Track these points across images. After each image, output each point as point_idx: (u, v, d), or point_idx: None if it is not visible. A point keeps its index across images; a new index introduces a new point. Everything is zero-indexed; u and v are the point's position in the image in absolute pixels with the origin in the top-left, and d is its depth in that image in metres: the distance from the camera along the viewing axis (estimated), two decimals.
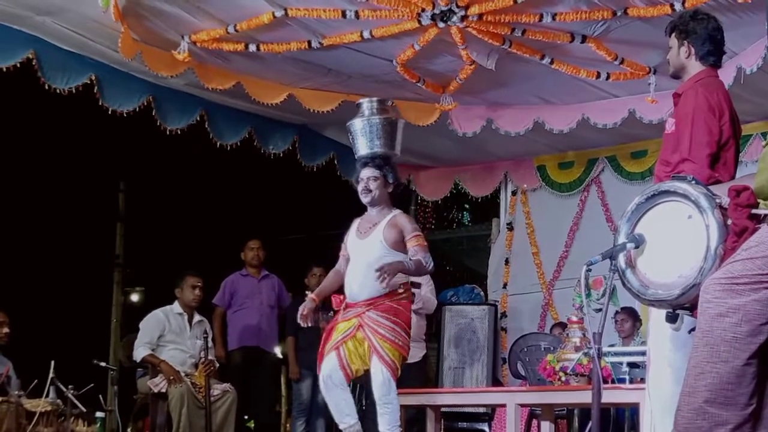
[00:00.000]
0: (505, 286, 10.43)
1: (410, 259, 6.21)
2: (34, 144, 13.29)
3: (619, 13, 6.69)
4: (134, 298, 17.84)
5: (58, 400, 7.10)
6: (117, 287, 16.62)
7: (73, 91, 7.43)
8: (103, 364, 8.58)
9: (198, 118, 8.27)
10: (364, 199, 6.42)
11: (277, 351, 9.82)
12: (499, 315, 10.19)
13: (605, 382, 5.40)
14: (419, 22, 6.87)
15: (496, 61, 7.52)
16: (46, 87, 7.30)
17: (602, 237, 8.68)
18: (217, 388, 7.83)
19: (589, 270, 4.08)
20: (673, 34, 4.73)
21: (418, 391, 7.49)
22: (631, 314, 8.50)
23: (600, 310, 4.85)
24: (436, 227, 15.59)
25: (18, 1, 6.79)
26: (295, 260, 10.05)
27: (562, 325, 8.53)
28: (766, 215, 3.47)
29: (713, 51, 4.70)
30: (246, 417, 9.84)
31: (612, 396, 5.88)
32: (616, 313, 8.65)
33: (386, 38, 7.17)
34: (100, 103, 7.62)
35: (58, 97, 7.45)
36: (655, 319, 4.54)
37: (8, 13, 6.91)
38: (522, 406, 6.91)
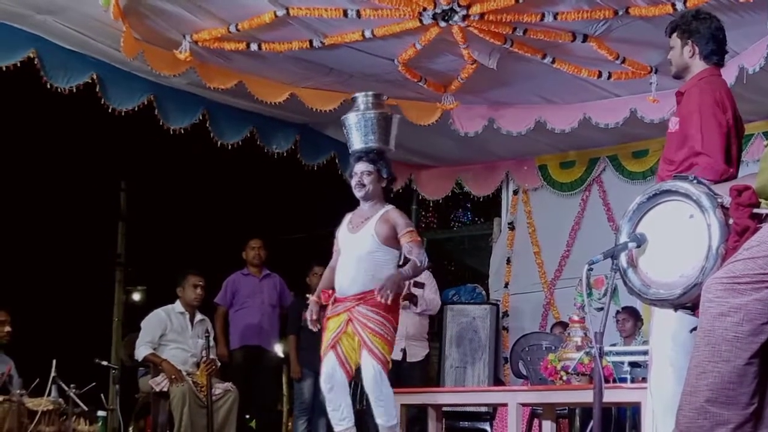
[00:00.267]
0: (506, 285, 10.43)
1: (406, 256, 6.23)
2: (35, 143, 13.30)
3: (620, 13, 6.69)
4: (136, 297, 17.84)
5: (60, 399, 7.10)
6: (119, 286, 16.62)
7: (74, 90, 7.43)
8: (104, 363, 8.58)
9: (200, 118, 8.28)
10: (358, 193, 6.41)
11: (279, 350, 9.83)
12: (500, 314, 10.19)
13: (607, 381, 5.40)
14: (421, 21, 6.87)
15: (497, 61, 7.52)
16: (48, 86, 7.30)
17: (604, 236, 8.67)
18: (219, 388, 7.83)
19: (590, 269, 4.08)
20: (675, 34, 4.73)
21: (419, 391, 7.49)
22: (633, 314, 8.50)
23: (601, 309, 4.86)
24: (438, 227, 15.59)
25: (19, 0, 6.79)
26: (297, 259, 10.05)
27: (563, 324, 8.53)
28: (767, 215, 3.47)
29: (716, 50, 4.72)
30: (247, 416, 9.83)
31: (613, 395, 5.88)
32: (618, 312, 8.65)
33: (388, 37, 7.16)
34: (102, 102, 7.63)
35: (59, 96, 7.45)
36: (657, 318, 4.54)
37: (9, 11, 6.92)
38: (523, 405, 6.92)
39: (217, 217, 15.53)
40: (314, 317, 6.38)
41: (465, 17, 6.81)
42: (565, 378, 6.50)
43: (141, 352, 7.93)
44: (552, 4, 6.75)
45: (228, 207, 15.37)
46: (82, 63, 7.46)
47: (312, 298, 6.50)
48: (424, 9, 6.76)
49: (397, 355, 8.50)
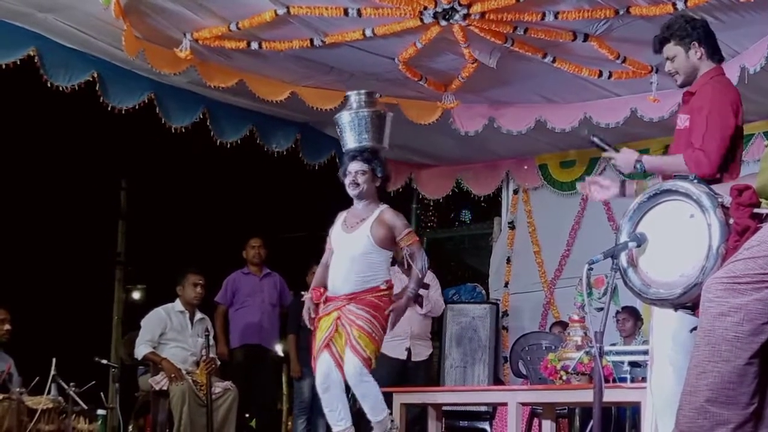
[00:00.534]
0: (506, 284, 10.43)
1: (406, 259, 6.27)
2: (35, 141, 13.28)
3: (621, 12, 6.68)
4: (136, 295, 17.83)
5: (60, 398, 7.10)
6: (118, 285, 16.61)
7: (76, 88, 7.43)
8: (104, 361, 8.60)
9: (200, 116, 8.28)
10: (352, 192, 6.40)
11: (279, 349, 9.83)
12: (500, 314, 10.19)
13: (607, 381, 5.40)
14: (421, 20, 6.87)
15: (498, 60, 7.51)
16: (48, 84, 7.30)
17: (604, 236, 8.66)
18: (219, 386, 7.84)
19: (590, 269, 4.08)
20: (672, 43, 4.70)
21: (419, 390, 7.49)
22: (633, 313, 8.50)
23: (601, 309, 4.86)
24: (438, 226, 15.54)
25: None
26: (297, 258, 10.04)
27: (562, 324, 8.53)
28: (767, 214, 3.47)
29: (716, 48, 4.74)
30: (247, 415, 9.84)
31: (613, 395, 5.88)
32: (618, 312, 8.65)
33: (388, 36, 7.16)
34: (102, 101, 7.62)
35: (59, 94, 7.45)
36: (657, 318, 4.54)
37: (11, 9, 6.92)
38: (523, 404, 6.92)
39: (217, 215, 15.52)
40: (312, 315, 6.38)
41: (466, 16, 6.80)
42: (564, 377, 6.50)
43: (141, 350, 7.94)
44: (553, 4, 6.74)
45: (228, 206, 15.36)
46: (82, 61, 7.46)
47: (307, 296, 6.48)
48: (425, 8, 6.75)
49: (402, 354, 8.51)
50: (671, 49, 4.71)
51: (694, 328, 3.35)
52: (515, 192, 10.59)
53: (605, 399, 4.14)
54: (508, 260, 10.49)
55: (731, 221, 3.66)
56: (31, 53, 7.12)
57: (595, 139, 4.84)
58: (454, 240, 14.62)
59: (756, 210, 3.50)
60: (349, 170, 6.43)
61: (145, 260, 16.31)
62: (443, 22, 6.89)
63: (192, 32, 7.25)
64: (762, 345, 3.13)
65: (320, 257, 6.60)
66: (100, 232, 16.08)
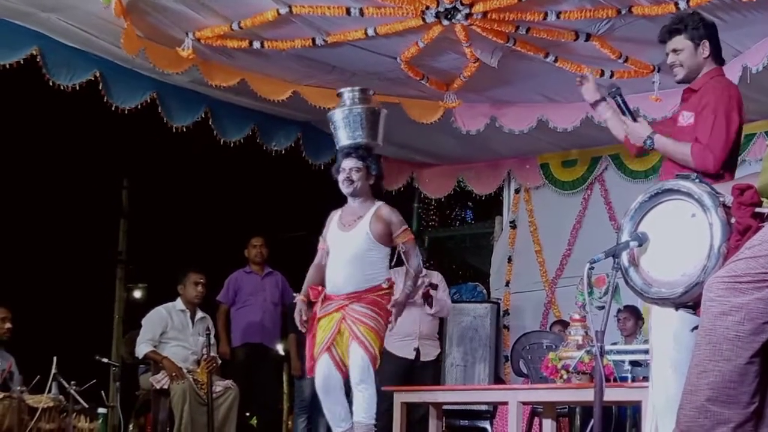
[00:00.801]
0: (507, 284, 10.44)
1: (401, 256, 6.22)
2: (37, 140, 13.30)
3: (623, 12, 6.69)
4: (137, 294, 17.85)
5: (61, 396, 7.10)
6: (120, 283, 16.63)
7: (77, 87, 7.44)
8: (105, 360, 8.58)
9: (202, 115, 8.28)
10: (346, 190, 6.35)
11: (280, 348, 9.84)
12: (501, 313, 10.19)
13: (607, 380, 5.40)
14: (423, 19, 6.87)
15: (499, 59, 7.51)
16: (51, 83, 7.30)
17: (605, 235, 8.66)
18: (219, 385, 7.84)
19: (592, 268, 4.08)
20: (683, 36, 4.71)
21: (420, 389, 7.49)
22: (634, 313, 8.50)
23: (602, 308, 4.85)
24: (439, 225, 15.60)
25: None
26: (298, 257, 10.05)
27: (563, 323, 8.54)
28: None
29: (720, 51, 4.78)
30: (248, 414, 9.84)
31: (614, 394, 5.88)
32: (619, 311, 8.65)
33: (390, 36, 7.16)
34: (105, 100, 7.63)
35: (61, 93, 7.46)
36: (657, 317, 4.54)
37: (13, 9, 6.92)
38: (524, 404, 6.91)
39: (218, 214, 15.53)
40: (304, 318, 6.32)
41: (468, 16, 6.81)
42: (565, 377, 6.49)
43: (142, 349, 7.94)
44: (555, 3, 6.74)
45: (230, 205, 15.37)
46: (85, 60, 7.46)
47: (299, 298, 6.42)
48: (427, 7, 6.76)
49: (410, 354, 8.51)
50: (680, 41, 4.72)
51: (695, 327, 3.35)
52: (517, 191, 10.59)
53: (606, 398, 4.14)
54: (510, 259, 10.49)
55: (733, 220, 3.65)
56: (34, 52, 7.12)
57: (618, 99, 4.84)
58: (455, 239, 14.64)
59: (757, 209, 3.50)
60: (342, 167, 6.38)
61: (146, 259, 16.33)
62: (445, 22, 6.89)
63: (194, 31, 7.26)
64: (763, 344, 3.13)
65: None
66: (102, 231, 16.10)
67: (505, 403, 6.80)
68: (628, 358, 6.56)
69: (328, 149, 9.28)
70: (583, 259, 4.79)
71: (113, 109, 7.74)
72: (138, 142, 12.49)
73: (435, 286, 8.59)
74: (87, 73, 7.45)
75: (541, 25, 7.02)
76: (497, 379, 9.66)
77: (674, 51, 4.75)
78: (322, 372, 6.19)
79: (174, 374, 7.70)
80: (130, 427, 8.63)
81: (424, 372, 8.59)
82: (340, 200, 6.56)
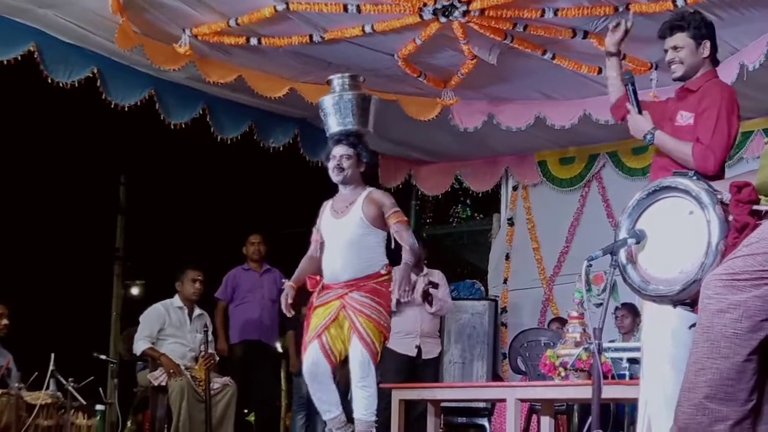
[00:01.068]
0: (505, 281, 10.44)
1: (394, 237, 6.15)
2: (34, 137, 13.27)
3: (620, 9, 6.69)
4: (134, 291, 17.82)
5: (58, 393, 7.10)
6: (117, 280, 16.59)
7: (76, 84, 7.43)
8: (103, 357, 8.59)
9: (200, 112, 8.28)
10: (336, 177, 6.29)
11: (278, 345, 9.83)
12: (499, 310, 10.20)
13: (605, 377, 5.41)
14: (421, 16, 6.87)
15: (497, 56, 7.51)
16: (49, 80, 7.29)
17: (603, 232, 8.68)
18: (217, 382, 7.84)
19: (589, 265, 4.09)
20: (686, 34, 4.72)
21: (418, 386, 7.49)
22: (632, 310, 8.50)
23: (600, 305, 4.85)
24: (437, 222, 15.60)
25: None
26: (297, 254, 10.05)
27: (561, 320, 8.54)
28: (767, 211, 3.47)
29: (716, 52, 4.79)
30: (246, 411, 9.84)
31: (612, 391, 5.89)
32: (617, 308, 8.65)
33: (387, 33, 7.16)
34: (104, 98, 7.62)
35: (59, 90, 7.44)
36: (653, 314, 4.54)
37: (10, 5, 6.91)
38: (522, 401, 6.91)
39: (216, 211, 15.51)
40: (290, 301, 6.24)
41: (465, 13, 6.81)
42: (563, 374, 6.50)
43: (139, 346, 7.94)
44: (552, 0, 6.75)
45: (228, 201, 15.35)
46: (82, 57, 7.45)
47: (288, 283, 6.35)
48: (425, 4, 6.75)
49: (411, 351, 8.51)
50: (682, 39, 4.72)
51: (693, 325, 3.36)
52: (514, 188, 10.59)
53: (604, 395, 4.14)
54: (507, 257, 10.49)
55: (730, 218, 3.66)
56: (31, 49, 7.11)
57: (629, 87, 4.84)
58: (452, 236, 14.65)
59: (755, 207, 3.50)
60: (333, 154, 6.32)
61: (144, 256, 16.30)
62: (443, 19, 6.89)
63: (191, 28, 7.25)
64: (761, 342, 3.13)
65: None
66: (99, 228, 16.07)
67: (503, 401, 6.79)
68: (626, 355, 6.58)
69: (325, 146, 9.26)
70: (580, 256, 4.81)
71: (110, 105, 7.72)
72: (135, 139, 12.47)
73: (436, 285, 8.58)
74: (85, 69, 7.44)
75: (539, 23, 7.02)
76: (495, 376, 9.67)
77: (674, 48, 4.75)
78: (310, 359, 6.12)
79: (172, 371, 7.70)
80: (128, 423, 8.63)
81: (426, 370, 8.58)
82: None
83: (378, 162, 10.02)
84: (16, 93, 10.21)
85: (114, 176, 15.94)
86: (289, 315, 6.40)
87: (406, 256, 6.23)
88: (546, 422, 7.14)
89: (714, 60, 4.79)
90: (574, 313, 6.81)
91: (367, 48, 7.57)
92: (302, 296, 6.47)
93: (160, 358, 7.81)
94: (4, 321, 7.72)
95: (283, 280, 6.60)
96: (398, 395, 7.05)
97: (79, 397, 7.14)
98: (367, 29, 7.11)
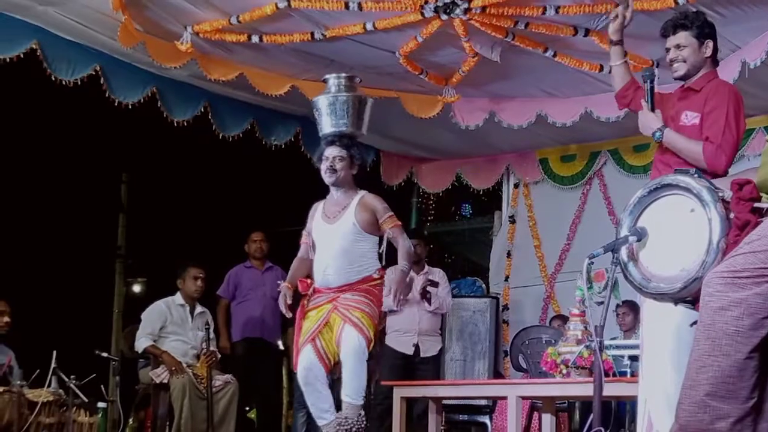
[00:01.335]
0: (506, 278, 10.44)
1: (390, 242, 6.13)
2: (36, 135, 13.28)
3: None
4: (136, 288, 17.83)
5: (60, 390, 7.10)
6: (119, 278, 16.61)
7: (79, 82, 7.43)
8: (105, 354, 8.58)
9: (202, 110, 8.28)
10: (329, 179, 6.25)
11: (279, 343, 9.84)
12: (500, 308, 10.20)
13: (606, 375, 5.40)
14: (422, 14, 6.87)
15: (499, 54, 7.51)
16: (53, 78, 7.29)
17: (604, 230, 8.68)
18: (219, 379, 7.84)
19: (591, 263, 4.09)
20: (689, 33, 4.73)
21: (419, 383, 7.49)
22: (633, 307, 8.49)
23: (602, 303, 4.86)
24: (438, 220, 15.57)
25: None
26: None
27: (562, 318, 8.54)
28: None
29: (717, 52, 4.80)
30: (247, 408, 9.84)
31: (613, 389, 5.89)
32: (618, 306, 8.66)
33: (389, 30, 7.16)
34: (107, 95, 7.63)
35: (60, 88, 7.44)
36: (653, 312, 4.55)
37: (11, 2, 6.91)
38: (523, 398, 6.92)
39: (218, 209, 15.51)
40: (289, 302, 6.23)
41: (466, 10, 6.81)
42: (565, 371, 6.50)
43: (141, 343, 7.95)
44: None
45: (230, 199, 15.35)
46: (85, 55, 7.45)
47: (284, 284, 6.33)
48: (426, 2, 6.75)
49: (409, 350, 8.52)
50: (686, 38, 4.73)
51: (694, 323, 3.36)
52: (516, 186, 10.59)
53: (605, 393, 4.15)
54: (509, 254, 10.49)
55: (732, 216, 3.66)
56: (34, 46, 7.11)
57: (648, 84, 4.83)
58: (454, 234, 14.64)
59: (756, 204, 3.51)
60: (326, 155, 6.27)
61: (145, 253, 16.31)
62: (444, 16, 6.88)
63: (193, 25, 7.25)
64: (762, 339, 3.13)
65: None
66: (101, 225, 16.07)
67: (505, 398, 6.80)
68: (627, 353, 6.58)
69: None
70: (582, 254, 4.80)
71: (112, 103, 7.73)
72: (137, 137, 12.47)
73: (436, 284, 8.59)
74: (87, 67, 7.44)
75: (540, 20, 7.02)
76: (496, 373, 9.67)
77: (677, 46, 4.76)
78: (304, 363, 6.10)
79: (173, 368, 7.70)
80: (130, 421, 8.65)
81: (425, 367, 8.59)
82: None
83: (376, 161, 10.03)
84: (18, 91, 10.22)
85: (116, 174, 15.95)
86: (288, 316, 6.39)
87: (401, 262, 6.23)
88: (547, 420, 7.15)
89: (715, 60, 4.80)
90: (576, 311, 6.81)
91: (369, 45, 7.56)
92: (300, 295, 6.47)
93: (161, 356, 7.81)
94: (6, 318, 7.71)
95: (279, 282, 6.59)
96: (400, 393, 7.05)
97: (81, 395, 7.14)
98: (369, 27, 7.11)
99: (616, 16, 5.16)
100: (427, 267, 8.84)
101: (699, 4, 6.30)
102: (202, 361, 7.86)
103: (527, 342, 8.34)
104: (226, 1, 6.98)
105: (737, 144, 4.62)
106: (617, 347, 6.70)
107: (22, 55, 7.13)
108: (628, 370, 6.49)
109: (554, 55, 7.53)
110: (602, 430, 4.02)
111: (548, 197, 10.27)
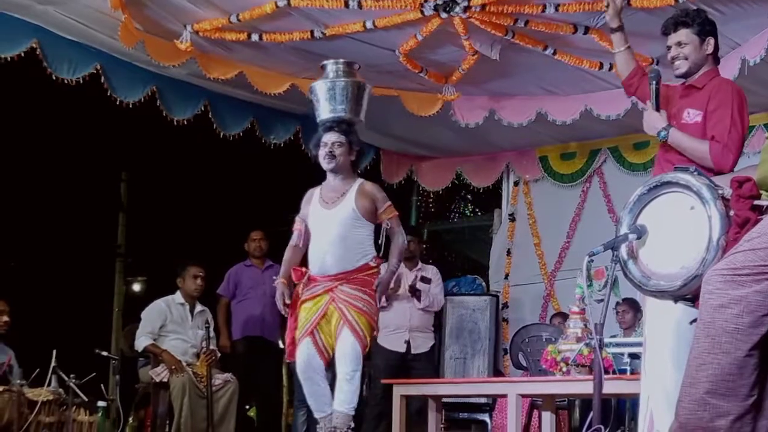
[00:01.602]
0: (506, 276, 10.44)
1: (387, 232, 6.08)
2: (36, 134, 13.28)
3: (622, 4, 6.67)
4: (136, 287, 17.84)
5: (60, 390, 7.10)
6: (119, 277, 16.61)
7: (79, 82, 7.42)
8: (104, 353, 8.58)
9: (201, 108, 8.28)
10: (327, 165, 6.21)
11: (280, 342, 9.84)
12: (500, 306, 10.20)
13: (606, 372, 5.40)
14: (422, 12, 6.86)
15: (498, 52, 7.51)
16: (53, 77, 7.29)
17: (604, 228, 8.67)
18: (219, 378, 7.84)
19: (591, 261, 4.08)
20: (690, 30, 4.73)
21: (419, 382, 7.49)
22: (633, 305, 8.50)
23: (601, 300, 4.86)
24: (438, 218, 15.58)
25: None
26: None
27: (563, 315, 8.54)
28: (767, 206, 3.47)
29: (718, 49, 4.80)
30: (247, 407, 9.85)
31: (613, 387, 5.89)
32: (618, 304, 8.65)
33: (389, 28, 7.16)
34: (109, 94, 7.62)
35: (60, 87, 7.44)
36: (654, 309, 4.54)
37: (11, 2, 6.91)
38: (523, 396, 6.92)
39: (218, 207, 15.51)
40: (287, 301, 6.19)
41: (466, 8, 6.80)
42: (564, 369, 6.50)
43: (141, 342, 7.95)
44: None
45: (229, 198, 15.35)
46: (84, 54, 7.45)
47: (280, 280, 6.29)
48: (425, 0, 6.75)
49: (401, 347, 8.52)
50: (687, 35, 4.73)
51: (694, 320, 3.36)
52: (516, 184, 10.59)
53: (605, 391, 4.14)
54: (509, 252, 10.49)
55: (731, 213, 3.66)
56: (34, 45, 7.11)
57: (653, 85, 4.82)
58: (454, 232, 14.64)
59: (756, 202, 3.51)
60: (324, 141, 6.23)
61: (145, 252, 16.31)
62: (444, 14, 6.88)
63: (192, 24, 7.25)
64: (762, 337, 3.13)
65: None
66: (101, 224, 16.08)
67: (505, 396, 6.79)
68: (627, 350, 6.57)
69: None
70: (582, 251, 4.80)
71: (117, 103, 7.73)
72: (137, 136, 12.47)
73: (428, 281, 8.60)
74: (88, 66, 7.44)
75: (540, 18, 7.01)
76: (496, 371, 9.67)
77: (678, 44, 4.76)
78: (303, 356, 6.07)
79: (173, 367, 7.70)
80: (130, 420, 8.64)
81: (417, 364, 8.58)
82: None
83: (376, 159, 10.03)
84: (18, 90, 10.22)
85: (116, 173, 15.95)
86: (285, 314, 6.36)
87: (392, 260, 6.21)
88: (547, 418, 7.15)
89: (716, 58, 4.80)
90: (576, 309, 6.81)
91: (368, 44, 7.56)
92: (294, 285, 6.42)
93: (161, 355, 7.81)
94: (5, 318, 7.71)
95: (274, 278, 6.54)
96: (399, 391, 7.04)
97: (81, 394, 7.14)
98: (369, 25, 7.10)
99: (608, 5, 5.17)
100: (420, 264, 8.85)
101: (699, 2, 6.29)
102: (202, 360, 7.86)
103: (527, 340, 8.35)
104: None
105: (743, 142, 4.63)
106: (617, 345, 6.70)
107: (22, 55, 7.12)
108: (628, 368, 6.49)
109: (554, 53, 7.53)
110: (602, 427, 4.02)
111: (548, 195, 10.27)
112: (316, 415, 6.22)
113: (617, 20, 5.20)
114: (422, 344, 8.68)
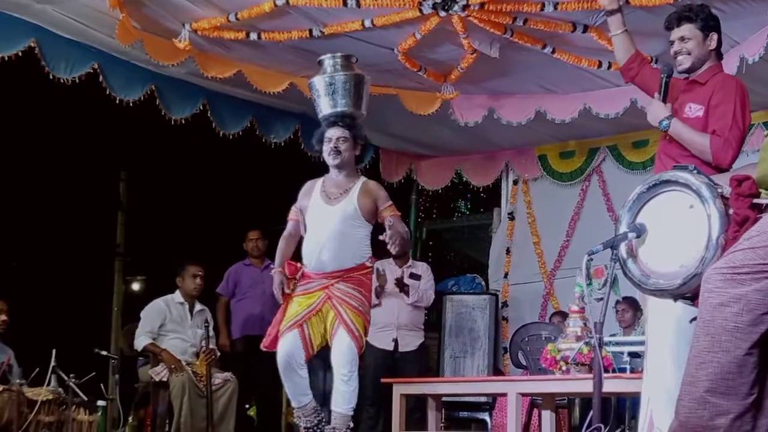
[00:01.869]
0: (506, 275, 10.44)
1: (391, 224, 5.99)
2: (34, 133, 13.27)
3: (621, 2, 6.66)
4: (135, 287, 17.82)
5: (60, 389, 7.10)
6: (118, 276, 16.59)
7: (78, 81, 7.42)
8: (104, 353, 8.58)
9: (200, 107, 8.27)
10: (333, 160, 6.15)
11: None
12: (499, 304, 10.20)
13: (606, 371, 5.41)
14: (420, 10, 6.86)
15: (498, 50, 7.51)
16: (51, 76, 7.28)
17: (603, 226, 8.68)
18: (218, 377, 7.84)
19: (590, 259, 4.08)
20: (694, 26, 4.73)
21: (419, 381, 7.49)
22: (632, 304, 8.50)
23: (601, 299, 4.86)
24: (437, 216, 15.57)
25: None
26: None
27: (562, 314, 8.54)
28: (767, 205, 3.46)
29: (721, 45, 4.80)
30: (247, 406, 9.84)
31: (613, 385, 5.89)
32: (617, 302, 8.65)
33: (387, 27, 7.15)
34: (108, 93, 7.62)
35: (58, 86, 7.43)
36: (655, 308, 4.54)
37: (9, 1, 6.91)
38: (523, 395, 6.92)
39: (217, 206, 15.50)
40: (286, 290, 6.13)
41: (465, 7, 6.80)
42: (564, 368, 6.50)
43: (140, 341, 7.95)
44: None
45: (229, 197, 15.34)
46: (82, 53, 7.44)
47: (277, 269, 6.25)
48: None
49: (389, 345, 8.51)
50: (691, 30, 4.73)
51: (694, 319, 3.35)
52: (515, 183, 10.59)
53: (605, 389, 4.14)
54: (508, 251, 10.49)
55: (731, 212, 3.66)
56: (32, 45, 7.10)
57: (664, 78, 4.81)
58: (453, 231, 14.64)
59: (755, 200, 3.50)
60: (328, 137, 6.18)
61: (144, 252, 16.30)
62: (442, 13, 6.88)
63: (190, 23, 7.24)
64: (761, 335, 3.13)
65: None
66: (100, 224, 16.06)
67: (504, 395, 6.80)
68: (626, 349, 6.56)
69: None
70: (581, 250, 4.80)
71: (111, 101, 7.72)
72: (136, 135, 12.46)
73: (418, 277, 8.60)
74: (86, 65, 7.43)
75: (539, 17, 7.01)
76: (496, 370, 9.67)
77: (681, 39, 4.76)
78: (286, 349, 6.04)
79: (173, 366, 7.70)
80: (130, 419, 8.64)
81: (405, 362, 8.57)
82: None
83: (375, 158, 10.02)
84: (16, 89, 10.21)
85: (115, 172, 15.94)
86: (281, 303, 6.32)
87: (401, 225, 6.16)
88: (547, 416, 7.15)
89: (719, 53, 4.80)
90: (575, 307, 6.81)
91: (367, 42, 7.56)
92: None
93: (161, 354, 7.81)
94: (3, 317, 7.71)
95: (271, 265, 6.50)
96: (399, 390, 7.04)
97: (81, 393, 7.14)
98: (367, 24, 7.10)
99: None
100: (411, 261, 8.86)
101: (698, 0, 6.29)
102: (202, 359, 7.86)
103: (527, 339, 8.35)
104: None
105: (744, 138, 4.63)
106: (617, 344, 6.69)
107: (20, 53, 7.12)
108: (628, 367, 6.48)
109: (553, 52, 7.52)
110: (602, 426, 4.02)
111: (547, 194, 10.27)
112: (294, 404, 6.19)
113: (616, 2, 5.19)
114: (410, 342, 8.66)
